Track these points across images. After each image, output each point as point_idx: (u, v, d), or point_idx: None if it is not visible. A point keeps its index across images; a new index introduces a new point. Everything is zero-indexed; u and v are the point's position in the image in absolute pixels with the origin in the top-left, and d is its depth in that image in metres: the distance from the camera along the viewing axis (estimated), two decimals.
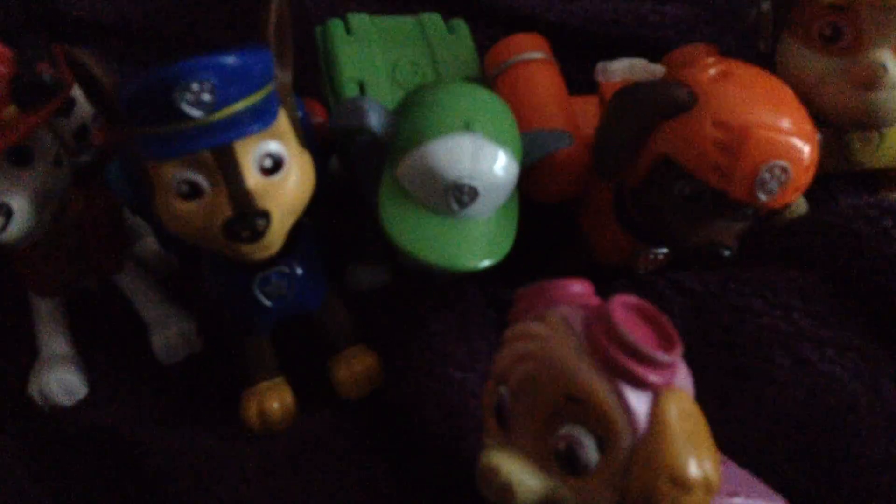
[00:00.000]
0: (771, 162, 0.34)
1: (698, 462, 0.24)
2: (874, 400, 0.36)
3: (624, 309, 0.26)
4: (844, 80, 0.42)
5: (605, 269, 0.44)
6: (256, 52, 0.33)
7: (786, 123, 0.35)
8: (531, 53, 0.46)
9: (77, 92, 0.41)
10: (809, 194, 0.44)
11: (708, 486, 0.24)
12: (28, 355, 0.44)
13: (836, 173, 0.47)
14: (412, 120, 0.39)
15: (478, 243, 0.38)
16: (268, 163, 0.33)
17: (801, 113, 0.36)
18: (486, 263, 0.38)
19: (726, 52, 0.46)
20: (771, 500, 0.30)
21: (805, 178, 0.36)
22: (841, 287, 0.41)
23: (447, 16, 0.52)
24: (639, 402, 0.25)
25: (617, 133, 0.38)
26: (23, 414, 0.44)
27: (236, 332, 0.41)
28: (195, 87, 0.30)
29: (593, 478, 0.26)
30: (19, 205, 0.37)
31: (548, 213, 0.47)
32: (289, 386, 0.41)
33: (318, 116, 0.42)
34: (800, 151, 0.35)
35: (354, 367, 0.42)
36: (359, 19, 0.49)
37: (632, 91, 0.38)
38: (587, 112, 0.45)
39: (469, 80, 0.48)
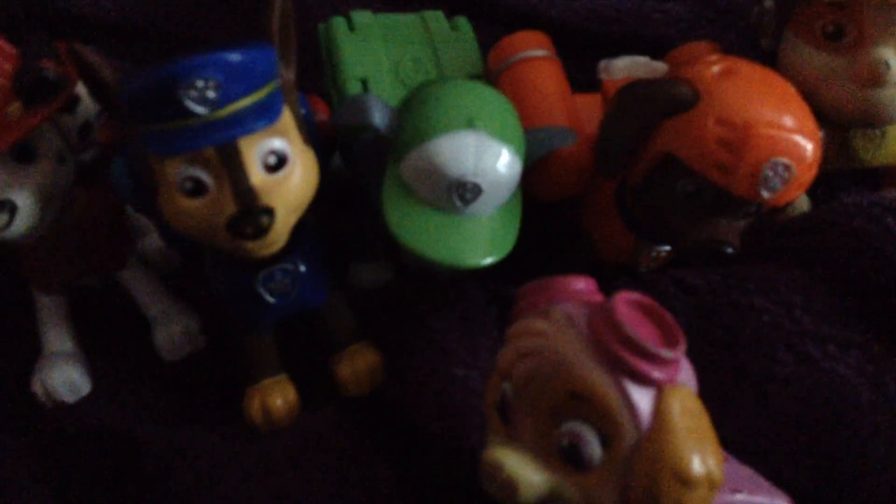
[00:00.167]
0: (774, 159, 0.34)
1: (701, 458, 0.24)
2: (876, 397, 0.36)
3: (627, 305, 0.26)
4: (847, 77, 0.42)
5: (606, 267, 0.44)
6: (260, 50, 0.33)
7: (789, 121, 0.35)
8: (534, 51, 0.46)
9: (81, 89, 0.42)
10: (812, 192, 0.44)
11: (711, 483, 0.25)
12: (31, 352, 0.44)
13: (839, 171, 0.47)
14: (416, 117, 0.39)
15: (481, 240, 0.38)
16: (272, 160, 0.33)
17: (804, 110, 0.36)
18: (489, 261, 0.38)
19: (728, 50, 0.46)
20: (773, 496, 0.30)
21: (808, 176, 0.36)
22: (843, 284, 0.41)
23: (450, 13, 0.52)
24: (642, 399, 0.25)
25: (620, 130, 0.38)
26: (25, 411, 0.44)
27: (239, 329, 0.41)
28: (200, 83, 0.30)
29: (596, 474, 0.26)
30: (24, 201, 0.37)
31: (549, 210, 0.47)
32: (291, 383, 0.42)
33: (322, 114, 0.42)
34: (803, 149, 0.35)
35: (357, 365, 0.42)
36: (361, 17, 0.49)
37: (635, 88, 0.38)
38: (590, 110, 0.45)
39: (472, 77, 0.48)
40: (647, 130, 0.38)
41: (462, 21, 0.52)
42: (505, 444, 0.28)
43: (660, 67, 0.43)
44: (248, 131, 0.32)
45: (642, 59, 0.44)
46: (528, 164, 0.40)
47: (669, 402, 0.25)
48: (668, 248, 0.43)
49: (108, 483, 0.41)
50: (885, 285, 0.40)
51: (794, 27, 0.43)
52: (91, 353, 0.45)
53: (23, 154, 0.38)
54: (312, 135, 0.38)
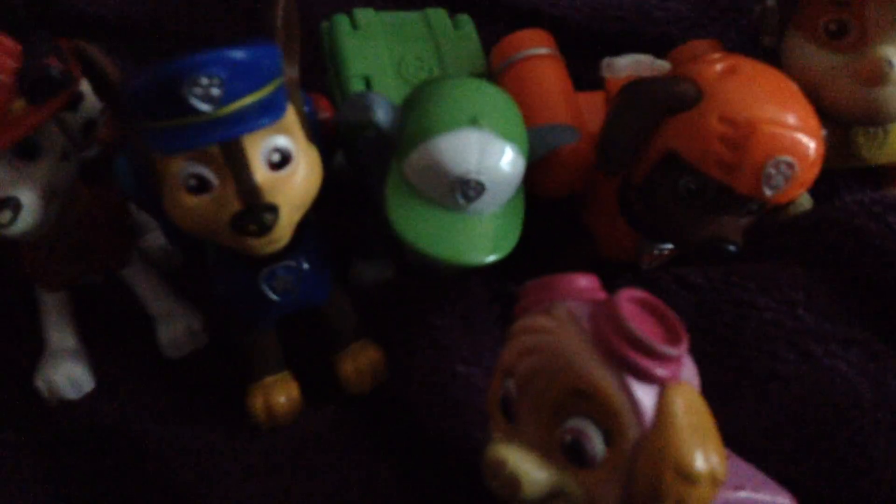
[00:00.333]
0: (777, 157, 0.35)
1: (704, 455, 0.24)
2: (878, 395, 0.37)
3: (630, 303, 0.26)
4: (849, 76, 0.42)
5: (608, 265, 0.44)
6: (264, 47, 0.33)
7: (792, 119, 0.35)
8: (537, 49, 0.46)
9: (84, 87, 0.42)
10: (814, 190, 0.44)
11: (714, 479, 0.25)
12: (34, 349, 0.44)
13: (841, 169, 0.47)
14: (419, 115, 0.39)
15: (484, 238, 0.38)
16: (276, 157, 0.33)
17: (807, 109, 0.36)
18: (492, 258, 0.39)
19: (730, 49, 0.46)
20: (776, 493, 0.31)
21: (810, 174, 0.36)
22: (844, 282, 0.41)
23: (452, 11, 0.52)
24: (645, 396, 0.25)
25: (623, 128, 0.38)
26: (27, 407, 0.44)
27: (242, 326, 0.41)
28: (204, 81, 0.30)
29: (600, 470, 0.26)
30: (28, 198, 0.37)
31: (550, 208, 0.47)
32: (294, 380, 0.42)
33: (324, 111, 0.42)
34: (805, 147, 0.35)
35: (359, 362, 0.42)
36: (364, 15, 0.49)
37: (638, 86, 0.38)
38: (592, 108, 0.45)
39: (474, 75, 0.48)
40: (651, 128, 0.38)
41: (464, 19, 0.52)
42: (508, 440, 0.28)
43: (663, 66, 0.44)
44: (252, 129, 0.32)
45: (645, 58, 0.44)
46: (531, 161, 0.40)
47: (672, 398, 0.25)
48: (670, 246, 0.43)
49: (111, 479, 0.41)
50: (886, 283, 0.40)
51: (797, 25, 0.43)
52: (94, 351, 0.45)
53: (27, 151, 0.38)
54: (315, 132, 0.38)
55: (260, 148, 0.33)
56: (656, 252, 0.44)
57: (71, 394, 0.43)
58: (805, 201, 0.47)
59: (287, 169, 0.34)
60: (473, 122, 0.37)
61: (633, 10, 0.57)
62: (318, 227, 0.40)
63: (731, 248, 0.38)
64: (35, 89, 0.36)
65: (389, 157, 0.40)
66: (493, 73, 0.48)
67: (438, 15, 0.51)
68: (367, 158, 0.43)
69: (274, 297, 0.38)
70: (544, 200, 0.44)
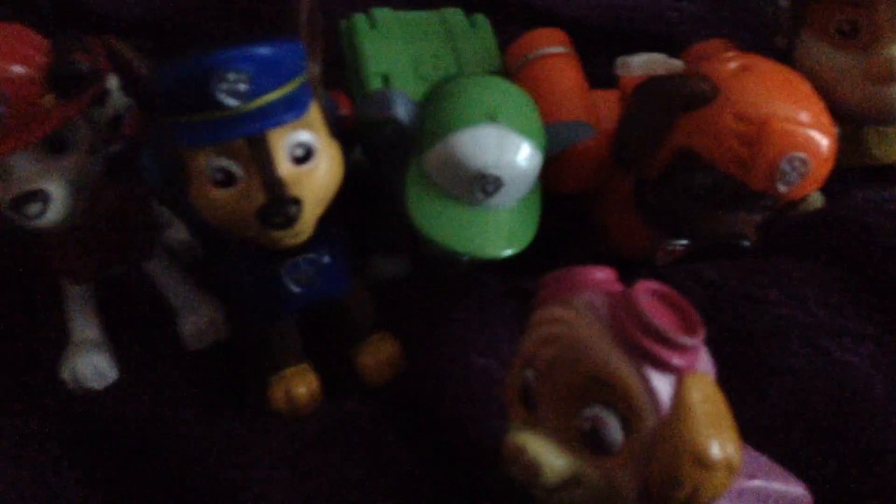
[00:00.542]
0: (791, 154, 0.35)
1: (720, 443, 0.25)
2: (890, 388, 0.37)
3: (648, 294, 0.27)
4: (861, 75, 0.42)
5: (622, 261, 0.45)
6: (290, 44, 0.33)
7: (805, 116, 0.36)
8: (552, 48, 0.47)
9: (111, 83, 0.42)
10: (826, 188, 0.44)
11: (729, 467, 0.25)
12: (59, 340, 0.45)
13: (853, 167, 0.47)
14: (438, 111, 0.39)
15: (501, 232, 0.39)
16: (299, 152, 0.34)
17: (820, 106, 0.37)
18: (509, 251, 0.39)
19: (743, 49, 0.46)
20: (789, 483, 0.31)
21: (823, 170, 0.37)
22: (856, 278, 0.41)
23: (468, 11, 0.53)
24: (662, 384, 0.25)
25: (639, 125, 0.39)
26: (53, 397, 0.45)
27: (263, 319, 0.42)
28: (231, 76, 0.31)
29: (618, 457, 0.26)
30: (56, 191, 0.38)
31: (560, 203, 0.47)
32: (314, 371, 0.42)
33: (344, 108, 0.43)
34: (819, 144, 0.35)
35: (378, 354, 0.42)
36: (382, 14, 0.50)
37: (655, 83, 0.38)
38: (608, 106, 0.45)
39: (490, 73, 0.48)
40: (666, 125, 0.38)
41: (480, 18, 0.52)
42: (528, 428, 0.28)
43: (676, 64, 0.44)
44: (277, 123, 0.33)
45: (659, 56, 0.45)
46: (547, 158, 0.41)
47: (689, 387, 0.25)
48: (684, 242, 0.44)
49: (135, 468, 0.42)
50: None
51: (809, 25, 0.44)
52: (117, 342, 0.46)
53: (55, 145, 0.38)
54: (335, 129, 0.38)
55: (284, 142, 0.33)
56: (670, 248, 0.44)
57: (95, 384, 0.44)
58: (817, 199, 0.48)
59: (310, 163, 0.34)
60: (492, 118, 0.38)
61: (646, 10, 0.58)
62: (339, 222, 0.41)
63: (745, 243, 0.38)
64: (65, 84, 0.37)
65: (408, 153, 0.40)
66: (509, 72, 0.49)
67: (455, 14, 0.52)
68: (385, 154, 0.43)
69: (296, 289, 0.39)
70: (552, 196, 0.45)
